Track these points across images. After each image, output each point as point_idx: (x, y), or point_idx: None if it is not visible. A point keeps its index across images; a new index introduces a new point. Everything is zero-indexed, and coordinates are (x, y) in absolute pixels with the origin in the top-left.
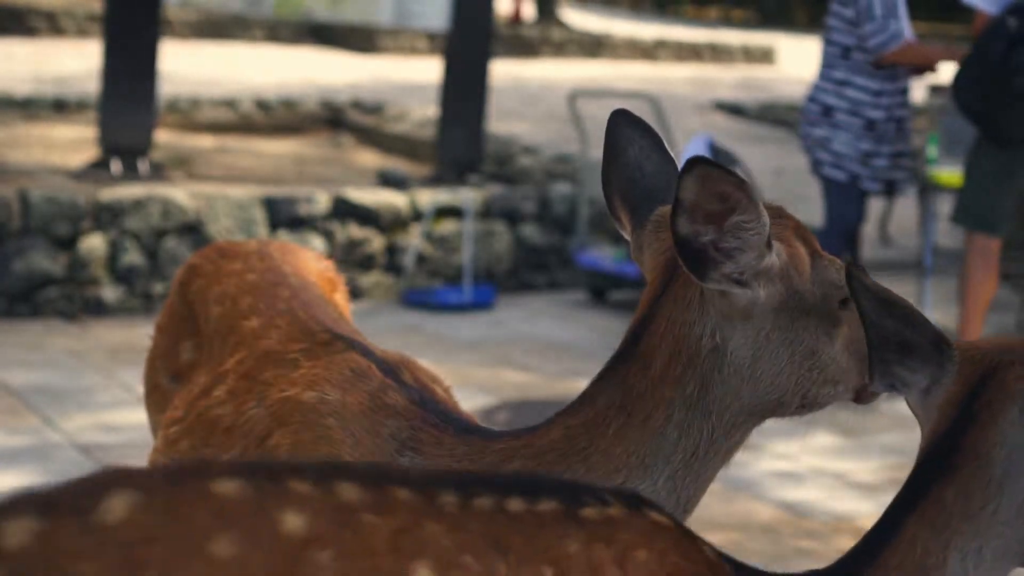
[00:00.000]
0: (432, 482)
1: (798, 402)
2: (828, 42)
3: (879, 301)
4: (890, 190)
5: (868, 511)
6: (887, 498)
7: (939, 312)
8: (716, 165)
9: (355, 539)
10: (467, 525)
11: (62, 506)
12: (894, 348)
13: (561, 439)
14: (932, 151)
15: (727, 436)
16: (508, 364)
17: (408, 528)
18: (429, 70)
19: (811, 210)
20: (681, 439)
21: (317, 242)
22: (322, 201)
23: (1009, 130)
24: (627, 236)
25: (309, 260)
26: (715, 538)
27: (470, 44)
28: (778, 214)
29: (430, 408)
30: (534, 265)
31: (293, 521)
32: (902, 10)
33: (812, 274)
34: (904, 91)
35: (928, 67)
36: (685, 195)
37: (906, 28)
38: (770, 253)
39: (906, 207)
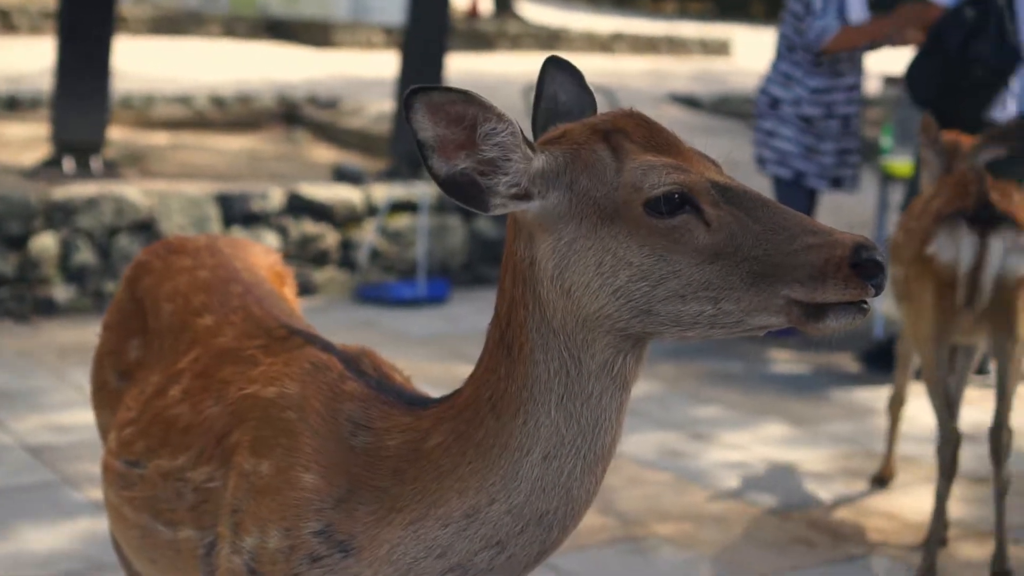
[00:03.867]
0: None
1: (646, 319)
2: (780, 35)
3: None
4: (837, 187)
5: (820, 500)
6: (838, 487)
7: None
8: (434, 88)
9: None
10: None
11: None
12: None
13: (471, 394)
14: (886, 141)
15: (586, 353)
16: (462, 358)
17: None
18: (386, 65)
19: None
20: (550, 362)
21: (271, 238)
22: (276, 197)
23: (964, 120)
24: None
25: (258, 254)
26: (666, 529)
27: (426, 38)
28: (594, 120)
29: (385, 390)
30: (489, 259)
31: None
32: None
33: (614, 177)
34: (853, 87)
35: (875, 44)
36: (423, 134)
37: (856, 14)
38: (536, 155)
39: (866, 199)
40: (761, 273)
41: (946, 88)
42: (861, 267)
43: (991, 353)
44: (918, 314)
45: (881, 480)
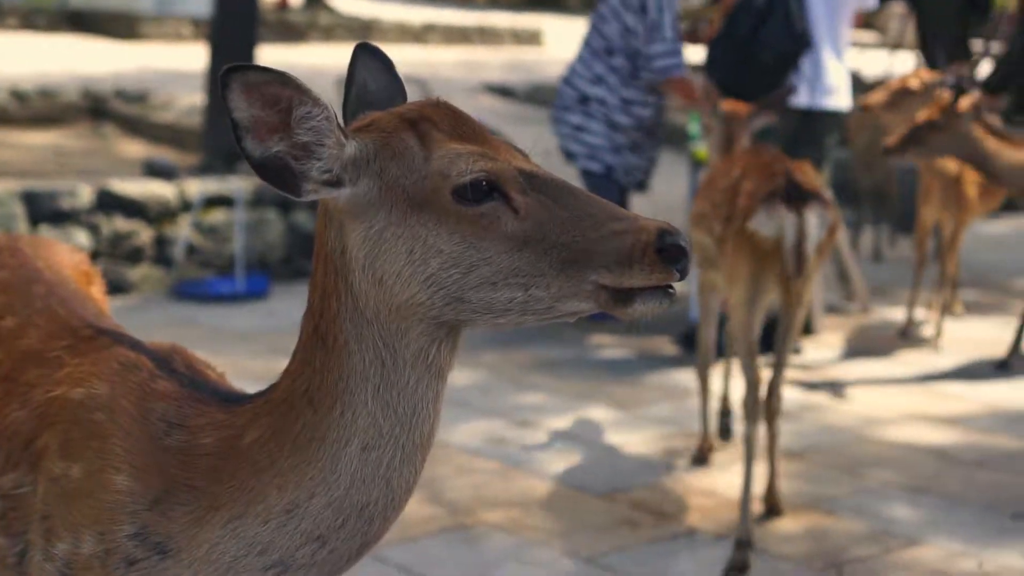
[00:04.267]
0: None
1: (459, 307)
2: (596, 32)
3: None
4: (640, 189)
5: (644, 481)
6: (660, 467)
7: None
8: (251, 68)
9: None
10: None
11: None
12: None
13: (287, 388)
14: (693, 128)
15: (401, 343)
16: (283, 353)
17: None
18: (195, 57)
19: None
20: (364, 352)
21: (81, 236)
22: (85, 194)
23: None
24: None
25: (63, 253)
26: (495, 516)
27: (235, 30)
28: (403, 109)
29: (199, 388)
30: (308, 252)
31: None
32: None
33: (422, 165)
34: (658, 96)
35: (689, 103)
36: (238, 114)
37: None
38: (349, 141)
39: (676, 184)
40: (569, 259)
41: (737, 71)
42: (665, 252)
43: (779, 310)
44: (734, 281)
45: (700, 458)
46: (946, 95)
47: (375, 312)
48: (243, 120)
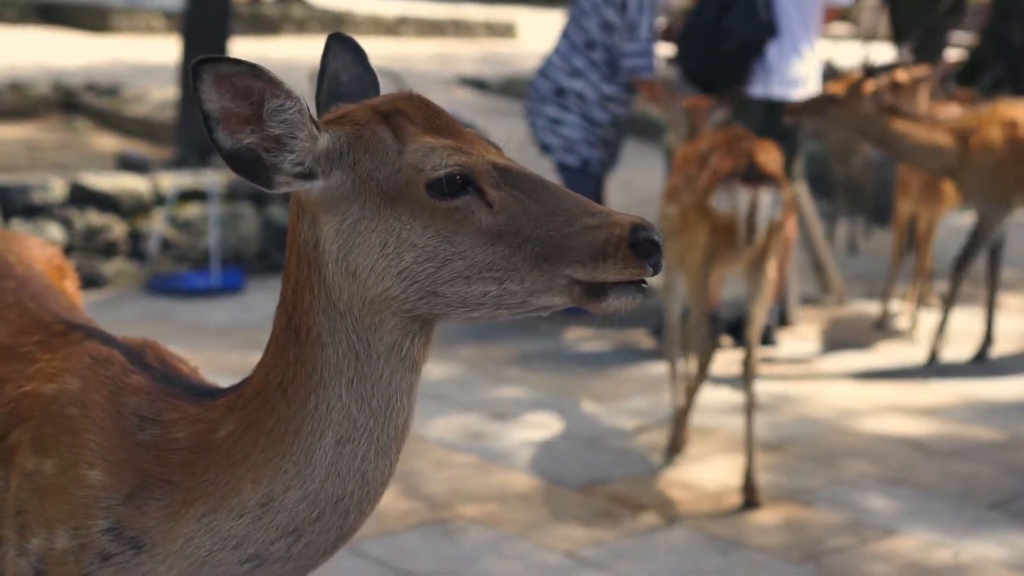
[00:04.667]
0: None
1: (432, 300)
2: (576, 25)
3: None
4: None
5: (622, 474)
6: (638, 460)
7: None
8: (223, 59)
9: None
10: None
11: None
12: None
13: (261, 381)
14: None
15: (374, 336)
16: (259, 347)
17: None
18: (167, 50)
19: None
20: (338, 345)
21: (55, 230)
22: (58, 188)
23: (723, 91)
24: None
25: (34, 248)
26: (472, 510)
27: (208, 23)
28: (373, 102)
29: (172, 382)
30: (283, 246)
31: None
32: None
33: (396, 159)
34: (631, 93)
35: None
36: (209, 106)
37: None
38: (321, 134)
39: (652, 176)
40: (543, 254)
41: (701, 59)
42: (639, 247)
43: (746, 280)
44: (690, 248)
45: (673, 449)
46: (856, 76)
47: (348, 305)
48: (214, 112)
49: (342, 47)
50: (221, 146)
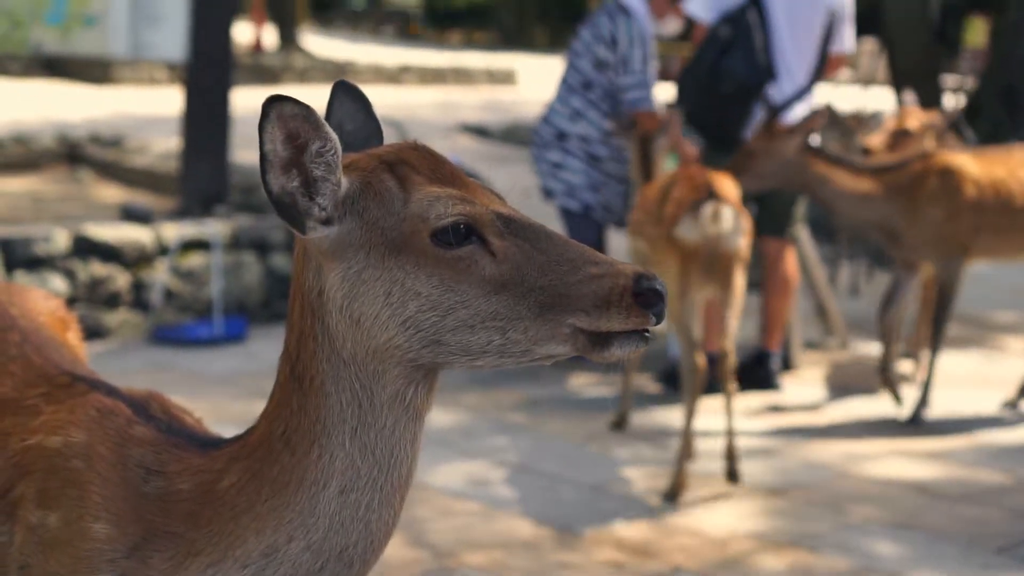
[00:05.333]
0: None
1: (436, 349)
2: (572, 68)
3: None
4: (621, 223)
5: (627, 520)
6: (643, 506)
7: None
8: (287, 100)
9: None
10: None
11: None
12: None
13: (264, 431)
14: (671, 164)
15: (378, 384)
16: (263, 397)
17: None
18: (170, 101)
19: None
20: (341, 393)
21: (58, 282)
22: (61, 239)
23: (722, 134)
24: None
25: (37, 300)
26: (478, 558)
27: (210, 74)
28: (380, 149)
29: (176, 433)
30: (286, 295)
31: None
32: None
33: (401, 208)
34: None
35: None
36: (268, 147)
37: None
38: (343, 179)
39: None
40: (547, 303)
41: (700, 102)
42: (642, 296)
43: (720, 300)
44: (664, 278)
45: (672, 495)
46: (764, 115)
47: (352, 354)
48: (270, 153)
49: (347, 95)
50: (270, 189)
